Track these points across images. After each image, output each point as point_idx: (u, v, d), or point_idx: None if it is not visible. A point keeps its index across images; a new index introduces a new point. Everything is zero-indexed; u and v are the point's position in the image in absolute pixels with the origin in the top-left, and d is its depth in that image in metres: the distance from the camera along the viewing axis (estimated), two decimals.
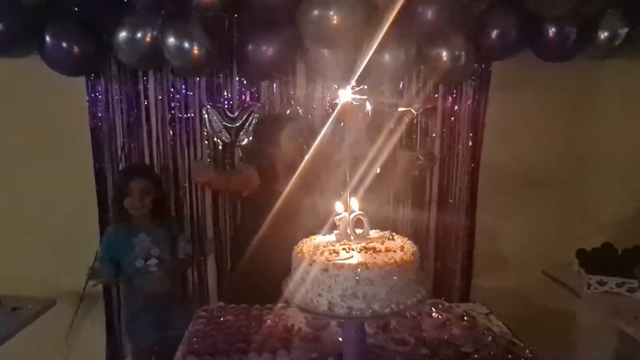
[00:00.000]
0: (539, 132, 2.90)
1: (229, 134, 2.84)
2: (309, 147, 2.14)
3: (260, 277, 1.88)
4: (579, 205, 3.02)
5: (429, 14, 2.44)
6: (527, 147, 2.87)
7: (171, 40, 2.45)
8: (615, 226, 2.86)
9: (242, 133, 2.83)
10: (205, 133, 2.84)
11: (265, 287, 1.67)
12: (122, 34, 2.51)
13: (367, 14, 2.39)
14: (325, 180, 2.13)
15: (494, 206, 2.96)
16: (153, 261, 2.27)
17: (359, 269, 1.20)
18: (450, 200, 2.97)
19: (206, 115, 2.82)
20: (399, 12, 2.33)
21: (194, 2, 2.45)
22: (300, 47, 2.62)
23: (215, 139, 2.84)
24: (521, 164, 2.86)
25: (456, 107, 2.88)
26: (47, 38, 2.48)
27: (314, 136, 2.21)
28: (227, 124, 2.83)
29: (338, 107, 1.38)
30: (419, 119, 2.86)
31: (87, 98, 2.80)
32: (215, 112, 2.82)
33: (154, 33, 2.49)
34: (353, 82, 1.53)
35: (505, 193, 2.90)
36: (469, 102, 2.87)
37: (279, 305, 1.94)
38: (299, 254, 1.33)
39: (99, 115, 2.81)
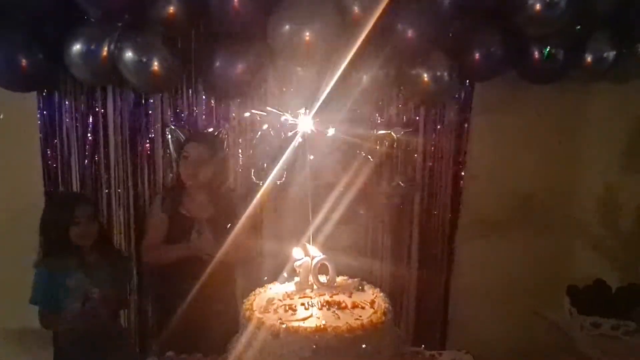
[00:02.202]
0: (525, 157, 2.75)
1: None
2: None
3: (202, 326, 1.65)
4: (568, 235, 2.85)
5: (409, 31, 2.28)
6: (512, 172, 2.71)
7: (129, 54, 2.24)
8: (609, 259, 2.70)
9: None
10: (168, 155, 2.61)
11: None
12: (76, 47, 2.28)
13: (341, 30, 2.22)
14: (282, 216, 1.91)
15: (476, 236, 2.76)
16: (92, 303, 2.00)
17: (316, 335, 0.98)
18: (433, 231, 2.77)
19: (169, 136, 2.59)
20: (376, 29, 2.18)
21: (154, 14, 2.24)
22: (272, 63, 2.42)
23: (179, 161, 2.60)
24: (505, 190, 2.69)
25: (438, 128, 2.70)
26: None
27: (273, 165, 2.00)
28: None
29: (297, 137, 1.18)
30: (398, 142, 2.67)
31: (38, 116, 2.56)
32: (179, 133, 2.59)
33: (111, 47, 2.27)
34: (314, 108, 1.33)
35: (489, 222, 2.71)
36: (450, 124, 2.70)
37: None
38: (248, 312, 1.10)
39: (52, 134, 2.57)
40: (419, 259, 2.81)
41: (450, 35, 2.42)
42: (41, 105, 2.56)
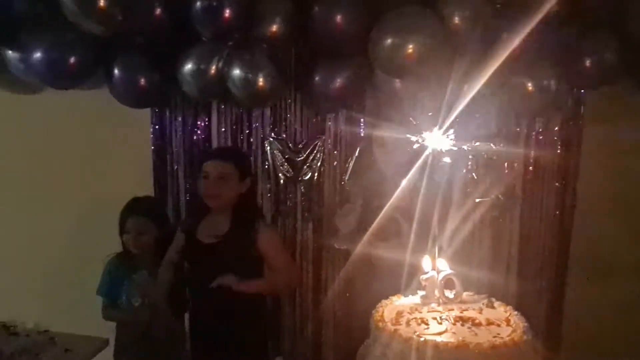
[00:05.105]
0: None
1: (292, 168, 2.69)
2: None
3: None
4: None
5: (514, 39, 2.21)
6: (630, 188, 2.49)
7: (236, 71, 2.36)
8: None
9: (305, 167, 2.68)
10: (267, 167, 2.72)
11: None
12: (188, 66, 2.44)
13: (443, 41, 2.20)
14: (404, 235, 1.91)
15: (588, 262, 2.51)
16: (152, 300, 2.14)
17: (458, 351, 0.97)
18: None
19: (268, 148, 2.70)
20: (478, 39, 2.14)
21: (259, 32, 2.36)
22: (371, 78, 2.44)
23: (278, 173, 2.70)
24: (621, 208, 2.47)
25: (541, 139, 2.57)
26: (115, 70, 2.46)
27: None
28: (289, 158, 2.69)
29: (426, 153, 1.18)
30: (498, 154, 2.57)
31: (151, 130, 2.77)
32: (278, 145, 2.69)
33: (219, 64, 2.41)
34: (445, 125, 1.33)
35: (605, 243, 2.49)
36: (557, 137, 2.55)
37: None
38: (379, 322, 1.11)
39: (163, 147, 2.77)
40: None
41: (558, 42, 2.31)
42: (153, 119, 2.77)
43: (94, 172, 2.82)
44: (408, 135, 1.61)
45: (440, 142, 1.43)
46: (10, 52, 2.48)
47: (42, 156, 2.89)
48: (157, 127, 2.77)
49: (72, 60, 2.38)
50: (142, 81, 2.48)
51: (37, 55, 2.36)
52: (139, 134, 2.77)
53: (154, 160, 2.77)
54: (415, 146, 1.22)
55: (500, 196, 2.55)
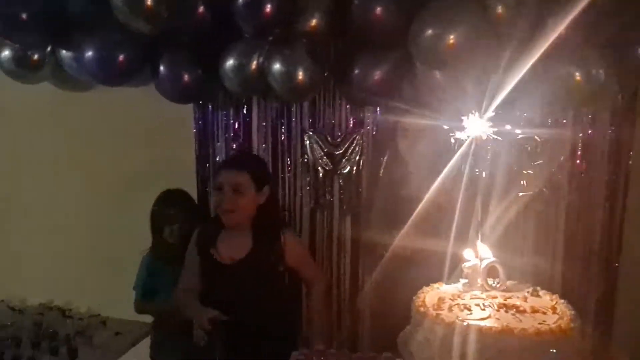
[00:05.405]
0: None
1: (331, 162, 2.71)
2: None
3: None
4: None
5: (561, 27, 2.14)
6: None
7: (277, 66, 2.40)
8: None
9: (344, 160, 2.69)
10: (306, 160, 2.75)
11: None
12: (229, 62, 2.50)
13: (486, 30, 2.16)
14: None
15: None
16: None
17: (502, 336, 0.96)
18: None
19: (307, 142, 2.73)
20: (523, 27, 2.09)
21: (299, 27, 2.39)
22: (410, 70, 2.43)
23: (317, 167, 2.73)
24: None
25: (589, 132, 2.48)
26: (161, 67, 2.55)
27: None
28: (328, 151, 2.71)
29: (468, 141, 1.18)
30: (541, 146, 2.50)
31: (194, 125, 2.85)
32: (317, 139, 2.72)
33: (260, 60, 2.46)
34: (490, 111, 1.32)
35: None
36: (608, 130, 2.45)
37: (384, 355, 1.72)
38: (421, 307, 1.12)
39: (204, 141, 2.85)
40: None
41: (607, 29, 2.22)
42: (196, 114, 2.85)
43: (143, 163, 2.94)
44: (447, 127, 1.58)
45: (482, 131, 1.41)
46: (64, 51, 2.63)
47: (96, 154, 3.03)
48: (200, 122, 2.85)
49: (121, 58, 2.49)
50: (186, 77, 2.57)
51: (89, 54, 2.48)
52: (183, 129, 2.86)
53: (197, 153, 2.85)
54: (457, 135, 1.21)
55: (545, 189, 2.48)
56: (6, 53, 2.63)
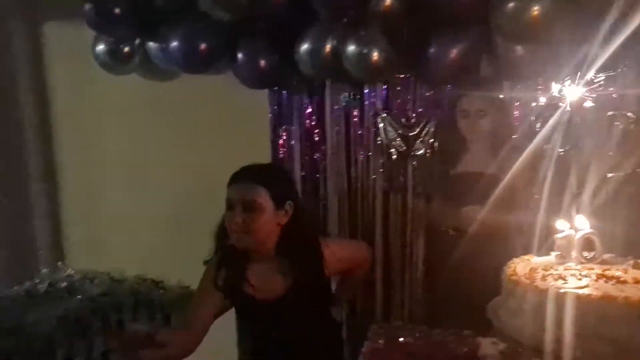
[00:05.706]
0: None
1: (404, 143, 2.70)
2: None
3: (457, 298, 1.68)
4: None
5: None
6: None
7: (351, 47, 2.42)
8: None
9: (418, 142, 2.68)
10: (379, 142, 2.76)
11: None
12: (305, 46, 2.56)
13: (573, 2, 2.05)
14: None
15: None
16: None
17: (604, 303, 0.93)
18: None
19: (381, 124, 2.74)
20: None
21: (374, 7, 2.39)
22: (490, 47, 2.36)
23: (390, 149, 2.73)
24: None
25: None
26: (239, 53, 2.66)
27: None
28: (402, 133, 2.70)
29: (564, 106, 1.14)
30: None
31: (269, 110, 2.94)
32: (390, 120, 2.71)
33: (334, 42, 2.50)
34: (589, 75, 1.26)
35: None
36: None
37: (465, 332, 1.71)
38: (513, 276, 1.10)
39: (279, 126, 2.93)
40: None
41: None
42: (271, 99, 2.94)
43: (221, 148, 3.08)
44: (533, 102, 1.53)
45: (578, 96, 1.35)
46: (151, 43, 2.81)
47: (179, 139, 3.21)
48: (275, 107, 2.93)
49: (203, 46, 2.63)
50: (263, 63, 2.66)
51: (174, 44, 2.64)
52: (259, 114, 2.96)
53: (272, 137, 2.94)
54: (541, 104, 1.16)
55: (638, 170, 2.32)
56: (101, 47, 2.85)
